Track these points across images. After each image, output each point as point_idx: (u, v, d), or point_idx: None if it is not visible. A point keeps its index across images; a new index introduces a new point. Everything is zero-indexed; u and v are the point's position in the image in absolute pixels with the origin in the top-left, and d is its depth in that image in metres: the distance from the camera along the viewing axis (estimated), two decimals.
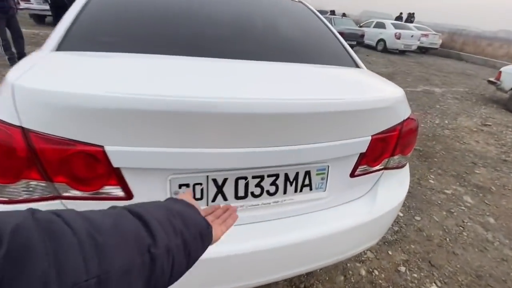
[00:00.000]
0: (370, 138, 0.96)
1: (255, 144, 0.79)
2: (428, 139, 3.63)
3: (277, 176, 0.89)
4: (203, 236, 0.48)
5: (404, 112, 1.07)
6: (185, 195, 0.59)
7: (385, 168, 1.11)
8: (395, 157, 1.10)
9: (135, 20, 1.17)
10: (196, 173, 0.80)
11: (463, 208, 2.32)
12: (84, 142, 0.67)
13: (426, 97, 5.78)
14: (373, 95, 0.97)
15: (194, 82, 0.81)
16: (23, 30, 4.68)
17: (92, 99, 0.65)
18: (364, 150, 0.97)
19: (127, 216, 0.39)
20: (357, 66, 1.38)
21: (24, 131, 0.64)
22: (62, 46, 0.97)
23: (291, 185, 0.92)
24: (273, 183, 0.90)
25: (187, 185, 0.81)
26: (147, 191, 0.78)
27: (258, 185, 0.87)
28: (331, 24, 11.82)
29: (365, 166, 1.03)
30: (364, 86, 1.08)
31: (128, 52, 0.97)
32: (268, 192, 0.90)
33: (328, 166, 0.95)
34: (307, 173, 0.93)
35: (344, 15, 16.08)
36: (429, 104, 5.26)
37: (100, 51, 0.96)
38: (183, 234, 0.44)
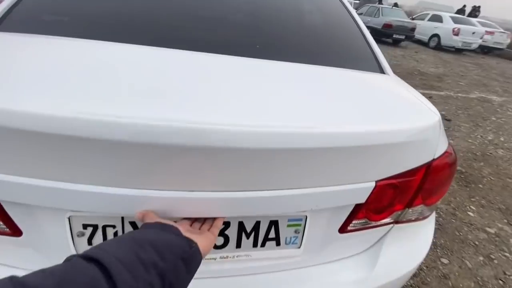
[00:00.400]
0: (373, 184, 0.66)
1: (190, 187, 0.54)
2: (475, 159, 3.04)
3: (227, 224, 0.64)
4: (186, 260, 0.44)
5: (436, 147, 0.73)
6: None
7: (397, 222, 0.79)
8: (415, 208, 0.78)
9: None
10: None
11: (508, 255, 1.85)
12: None
13: (481, 106, 4.96)
14: (387, 125, 0.64)
15: (122, 89, 0.56)
16: None
17: None
18: (362, 201, 0.67)
19: (80, 265, 0.35)
20: (382, 71, 1.04)
21: None
22: (2, 22, 0.79)
23: (247, 237, 0.66)
24: (221, 233, 0.64)
25: (95, 226, 0.59)
26: (39, 228, 0.58)
27: None
28: (378, 14, 10.85)
29: (363, 220, 0.72)
30: (379, 105, 0.75)
31: (76, 37, 0.76)
32: None
33: (306, 217, 0.67)
34: (273, 223, 0.66)
35: (395, 5, 14.54)
36: (483, 115, 4.49)
37: (43, 33, 0.77)
38: (158, 266, 0.39)
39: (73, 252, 0.60)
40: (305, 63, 0.90)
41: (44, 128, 0.45)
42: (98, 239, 0.60)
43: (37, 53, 0.70)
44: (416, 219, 0.83)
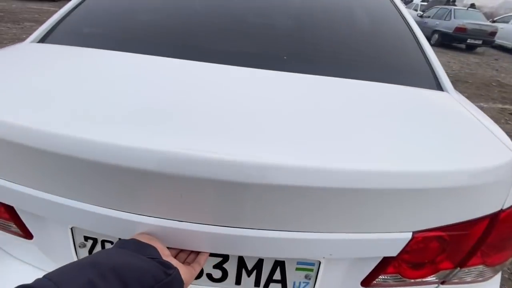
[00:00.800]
0: (410, 236, 0.51)
1: (185, 217, 0.49)
2: None
3: (225, 258, 0.57)
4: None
5: (507, 194, 0.55)
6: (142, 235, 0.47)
7: (443, 283, 0.62)
8: (472, 268, 0.60)
9: (142, 13, 0.99)
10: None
11: None
12: None
13: None
14: (434, 165, 0.50)
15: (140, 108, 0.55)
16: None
17: None
18: (393, 254, 0.53)
19: None
20: (439, 87, 0.85)
21: None
22: (46, 37, 0.87)
23: (248, 275, 0.58)
24: (219, 266, 0.58)
25: (95, 240, 0.58)
26: (47, 235, 0.59)
27: None
28: (448, 17, 9.63)
29: (394, 275, 0.58)
30: (430, 135, 0.60)
31: (119, 51, 0.80)
32: (209, 276, 0.59)
33: (320, 263, 0.56)
34: (279, 264, 0.57)
35: (472, 6, 12.73)
36: None
37: (87, 46, 0.82)
38: None
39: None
40: (347, 78, 0.79)
41: (57, 148, 0.46)
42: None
43: (71, 64, 0.74)
44: (473, 281, 0.64)
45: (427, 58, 0.92)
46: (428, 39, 10.84)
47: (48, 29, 0.89)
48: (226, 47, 0.88)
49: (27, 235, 0.60)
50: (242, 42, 0.91)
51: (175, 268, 0.43)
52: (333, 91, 0.73)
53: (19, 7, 8.25)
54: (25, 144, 0.47)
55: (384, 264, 0.55)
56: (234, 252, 0.52)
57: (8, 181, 0.52)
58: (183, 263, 0.50)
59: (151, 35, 0.92)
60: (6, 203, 0.56)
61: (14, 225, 0.59)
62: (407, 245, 0.52)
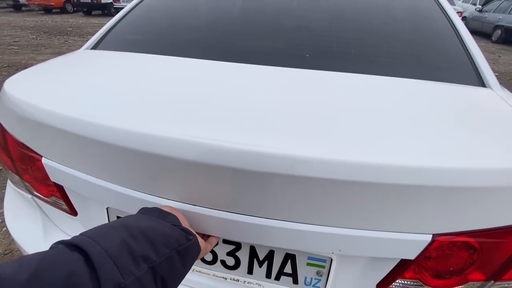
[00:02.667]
0: (429, 238, 0.48)
1: (209, 204, 0.53)
2: None
3: (237, 246, 0.59)
4: (182, 253, 0.41)
5: None
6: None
7: None
8: (509, 282, 0.53)
9: (187, 19, 1.08)
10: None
11: None
12: (29, 147, 0.65)
13: None
14: (464, 160, 0.46)
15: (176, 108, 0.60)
16: None
17: (41, 113, 0.60)
18: (410, 257, 0.50)
19: (62, 255, 0.32)
20: (482, 84, 0.77)
21: (2, 127, 0.71)
22: (98, 45, 1.00)
23: (260, 265, 0.60)
24: (232, 254, 0.60)
25: None
26: (88, 212, 0.68)
27: None
28: (508, 12, 8.40)
29: (414, 281, 0.54)
30: (461, 133, 0.55)
31: (169, 55, 0.88)
32: (223, 263, 0.62)
33: (332, 260, 0.55)
34: (289, 257, 0.57)
35: None
36: None
37: (135, 51, 0.93)
38: (149, 259, 0.36)
39: None
40: (383, 75, 0.77)
41: (99, 137, 0.53)
42: None
43: (117, 66, 0.84)
44: None
45: (470, 54, 0.84)
46: (489, 35, 9.49)
47: (99, 38, 1.03)
48: (265, 49, 0.91)
49: (73, 212, 0.70)
50: (280, 44, 0.92)
51: (195, 235, 0.46)
52: (374, 90, 0.71)
53: (84, 23, 9.47)
54: (77, 133, 0.55)
55: (402, 268, 0.52)
56: (243, 239, 0.54)
57: (60, 163, 0.62)
58: None
59: (186, 40, 1.00)
60: (59, 183, 0.66)
61: (63, 203, 0.69)
62: (426, 248, 0.49)
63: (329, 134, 0.51)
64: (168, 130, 0.50)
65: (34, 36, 7.03)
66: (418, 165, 0.45)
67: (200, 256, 0.49)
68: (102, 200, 0.63)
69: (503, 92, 0.74)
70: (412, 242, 0.49)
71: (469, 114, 0.63)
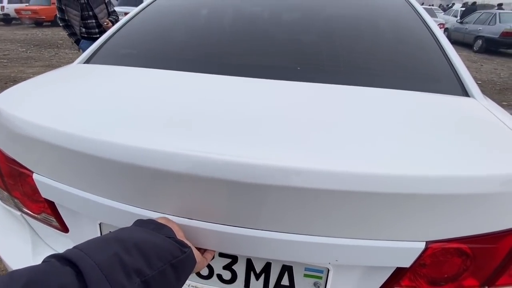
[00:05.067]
0: (423, 246, 0.49)
1: (203, 217, 0.53)
2: None
3: (233, 259, 0.58)
4: (176, 266, 0.41)
5: None
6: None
7: None
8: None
9: (180, 33, 1.10)
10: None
11: None
12: (19, 163, 0.64)
13: None
14: (452, 168, 0.48)
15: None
16: None
17: (32, 128, 0.59)
18: (405, 265, 0.51)
19: (54, 269, 0.32)
20: (465, 93, 0.81)
21: None
22: (90, 59, 1.01)
23: (257, 278, 0.59)
24: (228, 267, 0.60)
25: None
26: (80, 229, 0.67)
27: None
28: (493, 22, 8.89)
29: None
30: (447, 141, 0.57)
31: (145, 67, 0.89)
32: (219, 277, 0.61)
33: (328, 270, 0.55)
34: (286, 269, 0.57)
35: (499, 6, 11.64)
36: None
37: (128, 65, 0.93)
38: (142, 272, 0.36)
39: None
40: (365, 86, 0.78)
41: (87, 150, 0.53)
42: None
43: (107, 80, 0.85)
44: None
45: (450, 62, 0.87)
46: (471, 45, 9.86)
47: (92, 52, 1.03)
48: (257, 63, 0.93)
49: (64, 229, 0.68)
50: (268, 57, 0.95)
51: (190, 247, 0.45)
52: (355, 100, 0.73)
53: None
54: (69, 148, 0.55)
55: (398, 276, 0.53)
56: (240, 251, 0.54)
57: (52, 179, 0.61)
58: None
59: (178, 54, 1.01)
60: (50, 199, 0.64)
61: (54, 220, 0.67)
62: (421, 256, 0.49)
63: (322, 144, 0.52)
64: (161, 144, 0.51)
65: (24, 49, 6.98)
66: (411, 173, 0.46)
67: (196, 270, 0.49)
68: (95, 216, 0.61)
69: (486, 101, 0.77)
70: (406, 250, 0.49)
71: (455, 124, 0.65)
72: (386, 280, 0.54)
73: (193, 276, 0.61)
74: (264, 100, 0.70)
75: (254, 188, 0.47)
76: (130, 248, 0.37)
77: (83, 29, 2.75)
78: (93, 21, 2.73)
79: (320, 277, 0.56)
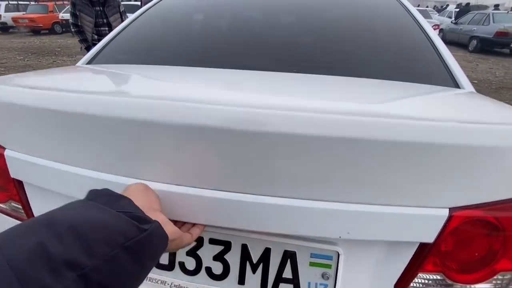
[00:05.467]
0: (447, 212, 0.41)
1: (190, 182, 0.45)
2: None
3: (226, 245, 0.50)
4: (131, 248, 0.32)
5: None
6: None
7: None
8: None
9: (180, 34, 1.09)
10: None
11: None
12: None
13: None
14: (476, 120, 0.42)
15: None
16: None
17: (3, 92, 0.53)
18: (429, 240, 0.42)
19: None
20: (456, 85, 0.78)
21: None
22: (92, 61, 0.97)
23: (253, 271, 0.50)
24: (219, 257, 0.51)
25: None
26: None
27: (191, 252, 0.51)
28: (487, 22, 9.02)
29: (438, 276, 0.46)
30: (449, 108, 0.53)
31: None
32: (209, 271, 0.52)
33: (339, 256, 0.47)
34: (289, 256, 0.48)
35: (496, 6, 11.84)
36: None
37: (128, 63, 0.93)
38: (78, 264, 0.28)
39: None
40: (366, 78, 0.78)
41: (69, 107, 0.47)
42: None
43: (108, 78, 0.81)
44: None
45: (440, 55, 0.86)
46: (466, 45, 10.03)
47: (92, 56, 0.99)
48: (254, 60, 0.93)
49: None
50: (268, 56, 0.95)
51: (154, 222, 0.36)
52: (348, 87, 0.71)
53: (73, 43, 9.44)
54: (42, 107, 0.48)
55: (421, 257, 0.44)
56: (234, 224, 0.45)
57: (23, 153, 0.54)
58: None
59: (177, 51, 1.01)
60: (19, 178, 0.57)
61: (21, 208, 0.59)
62: (445, 227, 0.41)
63: (333, 94, 0.51)
64: (147, 94, 0.46)
65: (22, 57, 6.93)
66: (429, 122, 0.41)
67: (175, 248, 0.40)
68: (69, 192, 0.53)
69: (477, 94, 0.75)
70: (428, 218, 0.42)
71: (455, 99, 0.65)
72: (408, 265, 0.45)
73: (175, 272, 0.52)
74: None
75: (253, 138, 0.41)
76: (62, 233, 0.29)
77: (96, 36, 2.74)
78: (107, 29, 2.74)
79: (329, 266, 0.48)
